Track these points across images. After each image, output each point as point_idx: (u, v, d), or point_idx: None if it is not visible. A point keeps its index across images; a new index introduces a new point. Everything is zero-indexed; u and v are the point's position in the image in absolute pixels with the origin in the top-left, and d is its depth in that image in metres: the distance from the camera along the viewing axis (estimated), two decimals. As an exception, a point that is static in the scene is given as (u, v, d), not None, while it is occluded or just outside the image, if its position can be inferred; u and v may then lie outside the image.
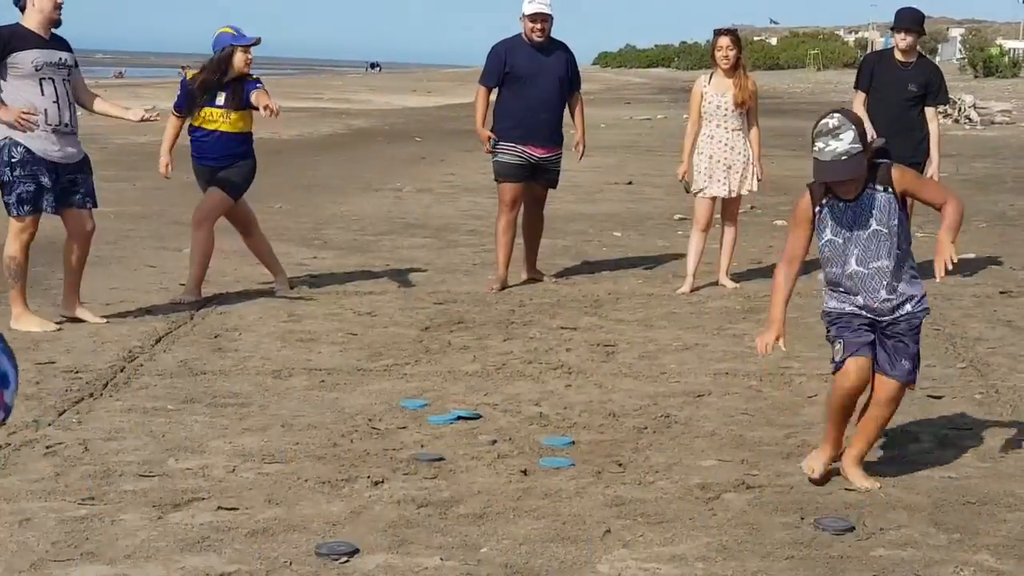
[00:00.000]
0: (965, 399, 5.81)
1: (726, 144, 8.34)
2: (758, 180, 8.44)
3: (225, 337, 6.92)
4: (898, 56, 8.46)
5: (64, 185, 6.90)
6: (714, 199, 8.42)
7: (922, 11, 8.73)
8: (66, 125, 6.85)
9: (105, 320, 7.15)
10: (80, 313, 7.15)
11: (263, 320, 7.37)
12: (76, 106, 6.97)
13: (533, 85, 8.29)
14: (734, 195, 8.44)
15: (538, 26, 8.26)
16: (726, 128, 8.35)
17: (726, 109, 8.32)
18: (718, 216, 8.59)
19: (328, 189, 14.73)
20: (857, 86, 8.63)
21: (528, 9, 8.26)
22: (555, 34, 8.42)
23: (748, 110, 8.34)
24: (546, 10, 8.25)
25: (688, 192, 8.54)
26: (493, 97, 8.57)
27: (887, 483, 4.62)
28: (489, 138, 8.39)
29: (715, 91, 8.35)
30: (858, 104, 8.55)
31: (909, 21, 8.46)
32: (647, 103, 43.98)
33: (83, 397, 5.67)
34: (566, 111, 8.52)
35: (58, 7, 6.82)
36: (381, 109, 37.73)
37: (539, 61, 8.31)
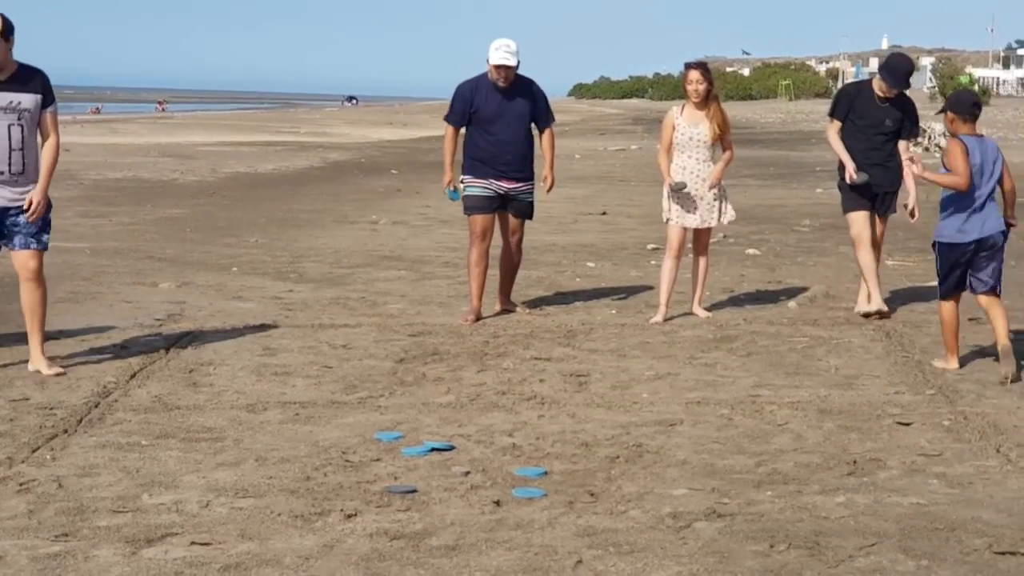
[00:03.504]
0: (934, 425, 5.87)
1: (698, 175, 8.42)
2: (726, 202, 8.50)
3: (199, 372, 6.94)
4: (877, 91, 8.56)
5: (7, 229, 6.67)
6: (686, 228, 8.49)
7: (912, 63, 8.86)
8: (2, 173, 6.56)
9: (64, 371, 6.80)
10: (40, 365, 6.79)
11: (238, 354, 7.39)
12: (28, 151, 6.64)
13: (498, 126, 8.44)
14: (706, 225, 8.51)
15: (502, 74, 8.41)
16: (698, 159, 8.43)
17: (699, 141, 8.40)
18: (689, 245, 8.66)
19: (304, 222, 14.77)
20: (833, 115, 8.68)
21: (493, 59, 8.38)
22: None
23: (723, 138, 8.46)
24: (510, 61, 8.37)
25: (682, 191, 8.37)
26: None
27: (856, 509, 4.67)
28: (450, 182, 8.52)
29: (687, 123, 8.43)
30: (833, 132, 8.64)
31: (900, 80, 8.46)
32: (621, 134, 44.25)
33: (57, 433, 5.67)
34: (538, 144, 8.65)
35: None
36: (357, 142, 37.83)
37: (504, 103, 8.46)
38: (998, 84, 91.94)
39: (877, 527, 4.49)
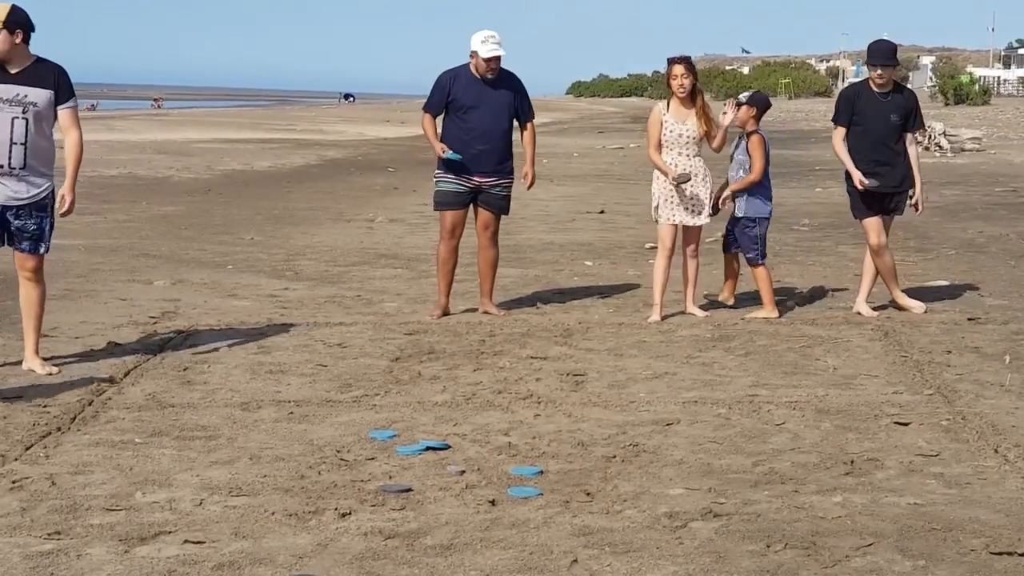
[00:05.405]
0: (932, 425, 5.85)
1: (688, 172, 8.34)
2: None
3: (193, 370, 6.91)
4: (875, 88, 8.46)
5: (11, 230, 6.61)
6: (676, 225, 8.43)
7: (894, 42, 8.76)
8: (2, 167, 6.46)
9: (58, 370, 6.77)
10: (33, 365, 6.75)
11: (232, 352, 7.36)
12: (32, 146, 6.52)
13: (474, 117, 8.38)
14: (697, 223, 8.45)
15: (492, 66, 8.35)
16: (687, 156, 8.36)
17: (688, 138, 8.33)
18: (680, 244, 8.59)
19: (300, 220, 14.75)
20: (837, 121, 8.51)
21: (483, 52, 8.30)
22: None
23: (709, 135, 8.35)
24: (501, 52, 8.32)
25: (684, 184, 8.29)
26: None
27: (853, 509, 4.65)
28: (444, 150, 8.38)
29: (674, 119, 8.35)
30: (838, 140, 8.48)
31: (884, 56, 8.40)
32: (620, 132, 44.23)
33: (50, 431, 5.65)
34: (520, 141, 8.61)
35: None
36: (354, 140, 37.78)
37: (483, 93, 8.40)
38: (999, 83, 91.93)
39: (874, 527, 4.47)
